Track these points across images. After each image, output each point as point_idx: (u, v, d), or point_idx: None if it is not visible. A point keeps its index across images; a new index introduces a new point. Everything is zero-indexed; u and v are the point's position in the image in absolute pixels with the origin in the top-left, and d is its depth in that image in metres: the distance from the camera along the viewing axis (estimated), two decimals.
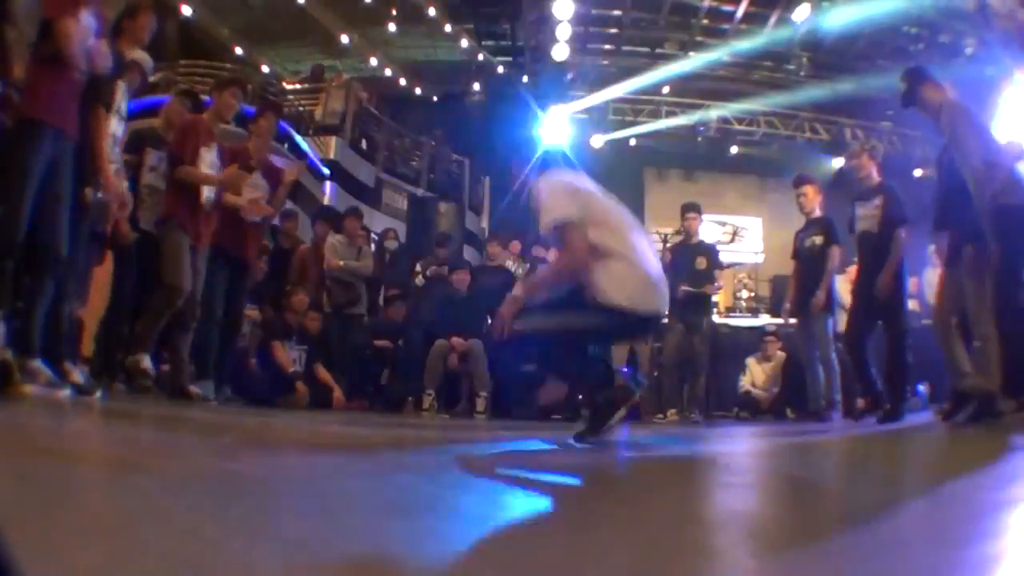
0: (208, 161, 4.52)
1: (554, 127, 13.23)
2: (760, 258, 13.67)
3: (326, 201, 10.13)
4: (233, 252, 4.89)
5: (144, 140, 4.63)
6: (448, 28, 14.10)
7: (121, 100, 3.85)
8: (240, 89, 4.88)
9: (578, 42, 13.02)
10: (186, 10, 13.49)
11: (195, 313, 4.49)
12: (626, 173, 14.94)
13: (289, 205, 5.55)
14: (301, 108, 12.14)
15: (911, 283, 7.57)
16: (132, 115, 4.37)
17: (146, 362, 4.24)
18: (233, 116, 4.95)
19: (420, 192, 12.48)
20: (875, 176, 5.30)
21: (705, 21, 12.73)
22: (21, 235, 3.08)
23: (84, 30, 3.22)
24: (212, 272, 4.73)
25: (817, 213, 5.93)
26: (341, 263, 6.73)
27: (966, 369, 4.23)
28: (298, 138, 10.16)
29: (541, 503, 1.44)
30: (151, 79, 5.05)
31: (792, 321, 6.16)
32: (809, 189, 5.95)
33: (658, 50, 13.31)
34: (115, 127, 3.79)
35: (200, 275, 4.53)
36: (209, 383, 4.59)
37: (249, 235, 4.99)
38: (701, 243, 6.80)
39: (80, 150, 3.41)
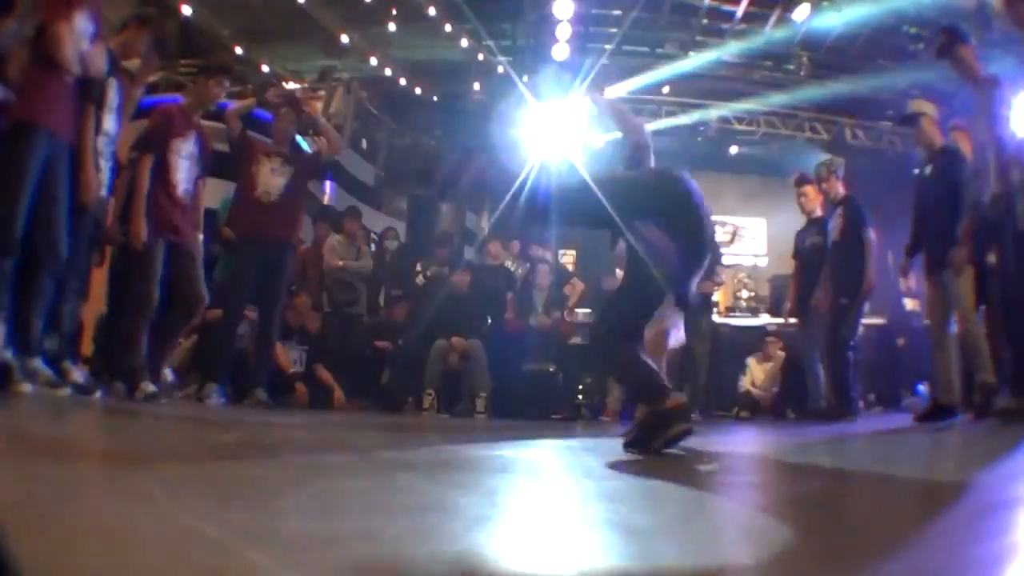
0: (185, 152, 4.35)
1: (554, 127, 13.19)
2: (764, 260, 13.56)
3: (326, 201, 10.12)
4: (261, 237, 4.75)
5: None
6: (448, 28, 14.08)
7: (114, 97, 3.85)
8: (226, 79, 4.65)
9: (578, 42, 13.01)
10: (186, 10, 13.47)
11: (202, 304, 4.41)
12: None
13: None
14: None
15: (912, 280, 7.60)
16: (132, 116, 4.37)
17: (150, 388, 4.07)
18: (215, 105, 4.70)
19: (420, 192, 12.48)
20: (840, 191, 5.61)
21: (705, 21, 12.71)
22: (19, 235, 3.08)
23: (78, 33, 3.23)
24: (239, 270, 4.67)
25: (818, 213, 5.93)
26: (341, 263, 6.74)
27: (954, 383, 4.25)
28: (298, 138, 10.14)
29: (540, 503, 1.44)
30: (151, 79, 5.05)
31: (792, 321, 6.17)
32: (810, 189, 5.96)
33: (658, 50, 13.29)
34: (108, 124, 3.79)
35: (195, 273, 4.38)
36: (213, 385, 4.57)
37: (277, 216, 4.82)
38: None
39: (77, 150, 3.42)
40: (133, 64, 4.16)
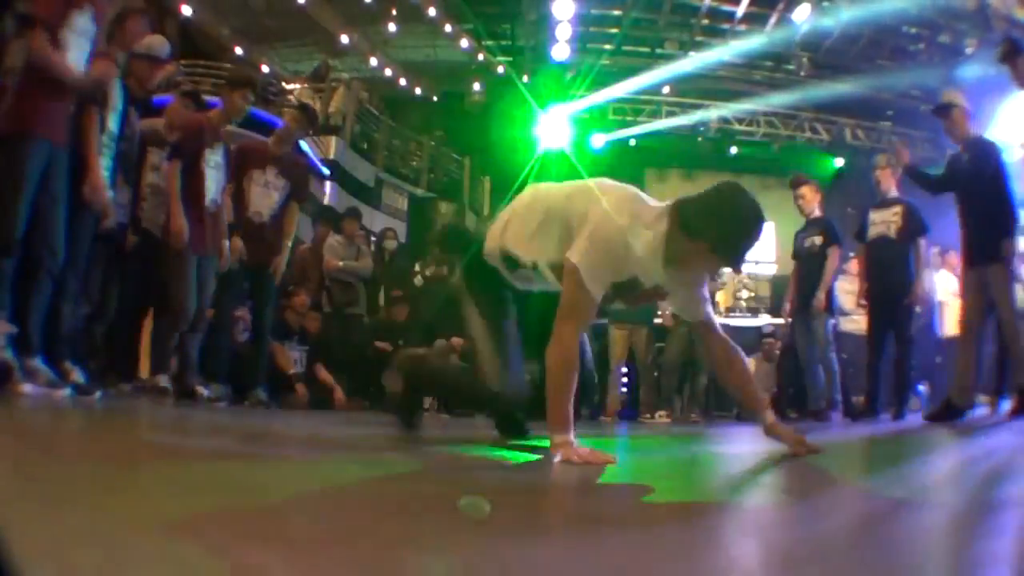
0: (213, 163, 4.48)
1: (554, 127, 13.20)
2: (772, 268, 13.08)
3: (326, 201, 10.12)
4: (251, 261, 4.84)
5: (146, 140, 4.61)
6: (448, 28, 14.08)
7: (117, 99, 3.85)
8: (252, 91, 4.78)
9: (578, 42, 13.01)
10: (186, 10, 13.47)
11: (205, 318, 4.51)
12: (626, 173, 14.90)
13: None
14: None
15: None
16: None
17: (164, 381, 4.25)
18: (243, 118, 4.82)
19: (420, 192, 12.48)
20: (894, 190, 5.50)
21: (705, 21, 12.72)
22: (18, 235, 3.09)
23: (78, 33, 3.23)
24: (231, 282, 4.72)
25: (816, 213, 5.92)
26: (341, 263, 6.74)
27: (971, 386, 4.26)
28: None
29: (540, 503, 1.44)
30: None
31: (792, 321, 6.16)
32: (807, 190, 5.94)
33: (658, 50, 13.29)
34: (111, 124, 3.79)
35: (209, 286, 4.50)
36: (216, 386, 4.58)
37: (265, 239, 4.91)
38: None
39: (80, 154, 3.42)
40: (149, 42, 4.16)
